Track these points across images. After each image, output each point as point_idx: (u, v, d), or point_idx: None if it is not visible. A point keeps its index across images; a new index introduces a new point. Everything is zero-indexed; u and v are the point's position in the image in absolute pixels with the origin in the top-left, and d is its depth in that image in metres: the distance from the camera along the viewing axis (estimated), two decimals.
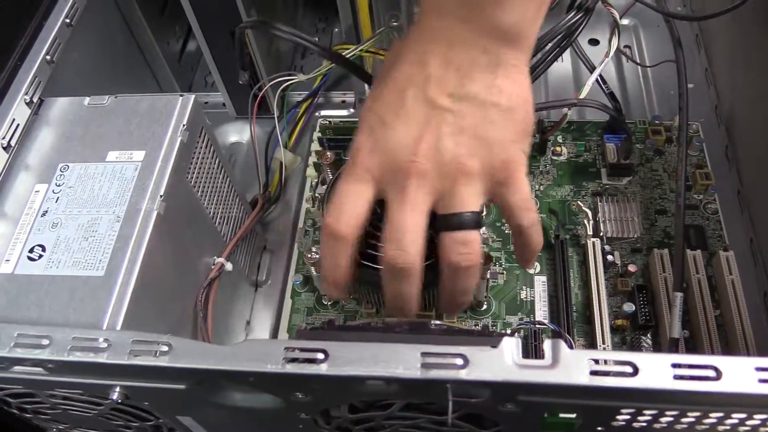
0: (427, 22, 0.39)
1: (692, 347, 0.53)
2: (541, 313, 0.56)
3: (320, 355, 0.32)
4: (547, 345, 0.32)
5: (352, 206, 0.39)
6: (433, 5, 0.39)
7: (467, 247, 0.38)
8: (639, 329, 0.55)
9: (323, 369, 0.32)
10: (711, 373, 0.31)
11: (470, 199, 0.38)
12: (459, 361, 0.31)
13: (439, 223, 0.39)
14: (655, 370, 0.31)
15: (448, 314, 0.50)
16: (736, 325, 0.52)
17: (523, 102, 0.39)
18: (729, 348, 0.53)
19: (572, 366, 0.31)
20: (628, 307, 0.55)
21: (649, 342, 0.54)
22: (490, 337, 0.33)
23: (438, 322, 0.46)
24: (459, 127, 0.38)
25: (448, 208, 0.38)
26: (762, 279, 0.57)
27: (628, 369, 0.31)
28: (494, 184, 0.39)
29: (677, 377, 0.31)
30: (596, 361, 0.31)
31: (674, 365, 0.31)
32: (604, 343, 0.53)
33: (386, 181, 0.39)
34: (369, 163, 0.39)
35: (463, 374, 0.31)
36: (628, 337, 0.55)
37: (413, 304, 0.40)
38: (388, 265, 0.39)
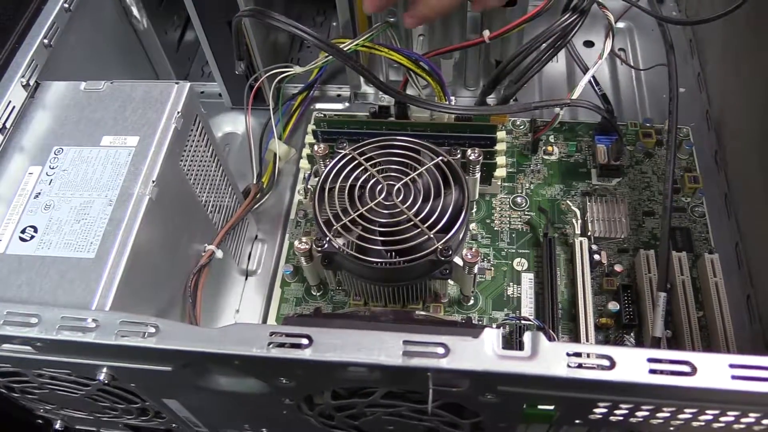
0: None
1: (674, 346, 0.54)
2: (527, 309, 0.57)
3: (305, 341, 0.33)
4: (527, 337, 0.32)
5: None
6: None
7: None
8: (623, 328, 0.56)
9: (307, 354, 0.33)
10: (686, 368, 0.32)
11: None
12: (440, 350, 0.32)
13: None
14: (632, 363, 0.32)
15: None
16: (718, 326, 0.53)
17: None
18: (710, 348, 0.54)
19: (551, 358, 0.32)
20: (613, 306, 0.56)
21: (633, 341, 0.55)
22: (471, 328, 0.34)
23: (423, 313, 0.46)
24: None
25: None
26: (746, 282, 0.58)
27: (606, 362, 0.32)
28: None
29: (653, 371, 0.31)
30: (574, 354, 0.32)
31: (650, 360, 0.32)
32: (587, 340, 0.54)
33: None
34: None
35: (444, 363, 0.32)
36: (612, 335, 0.56)
37: None
38: None
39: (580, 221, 0.60)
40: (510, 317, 0.55)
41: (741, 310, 0.57)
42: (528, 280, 0.59)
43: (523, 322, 0.55)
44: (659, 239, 0.60)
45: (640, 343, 0.55)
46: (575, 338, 0.55)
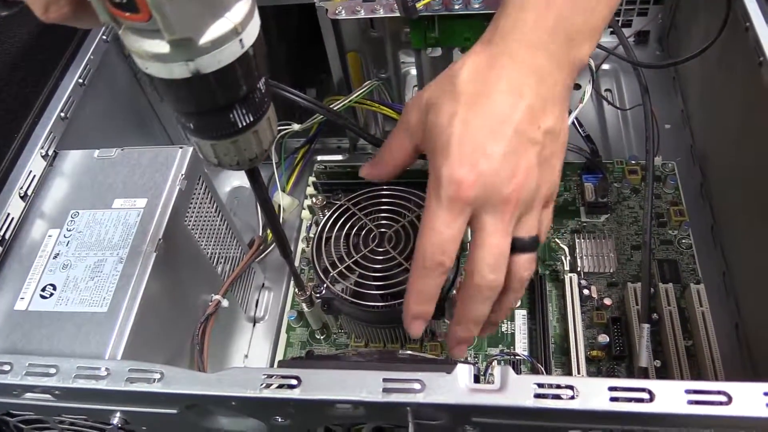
0: (517, 55, 0.42)
1: (664, 376, 0.56)
2: (521, 345, 0.60)
3: (294, 381, 0.36)
4: (496, 371, 0.35)
5: (453, 239, 0.41)
6: (525, 40, 0.42)
7: (533, 265, 0.44)
8: (614, 359, 0.58)
9: (296, 393, 0.36)
10: (645, 395, 0.34)
11: (536, 224, 0.43)
12: (417, 386, 0.35)
13: (516, 244, 0.42)
14: (594, 393, 0.34)
15: (489, 331, 0.49)
16: (706, 355, 0.55)
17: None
18: (699, 377, 0.55)
19: (518, 390, 0.35)
20: (603, 338, 0.58)
21: (624, 372, 0.57)
22: (449, 365, 0.37)
23: (407, 352, 0.49)
24: (543, 158, 0.42)
25: (521, 231, 0.42)
26: (733, 311, 0.60)
27: (569, 392, 0.34)
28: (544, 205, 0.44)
29: (613, 399, 0.34)
30: (540, 385, 0.35)
31: (611, 388, 0.34)
32: (579, 373, 0.56)
33: (485, 209, 0.41)
34: (471, 195, 0.40)
35: (420, 398, 0.35)
36: (603, 367, 0.58)
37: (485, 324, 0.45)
38: (484, 289, 0.42)
39: (569, 258, 0.63)
40: (502, 353, 0.58)
41: (731, 339, 0.59)
42: (521, 316, 0.61)
43: (516, 357, 0.57)
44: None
45: (631, 374, 0.57)
46: (568, 371, 0.57)
